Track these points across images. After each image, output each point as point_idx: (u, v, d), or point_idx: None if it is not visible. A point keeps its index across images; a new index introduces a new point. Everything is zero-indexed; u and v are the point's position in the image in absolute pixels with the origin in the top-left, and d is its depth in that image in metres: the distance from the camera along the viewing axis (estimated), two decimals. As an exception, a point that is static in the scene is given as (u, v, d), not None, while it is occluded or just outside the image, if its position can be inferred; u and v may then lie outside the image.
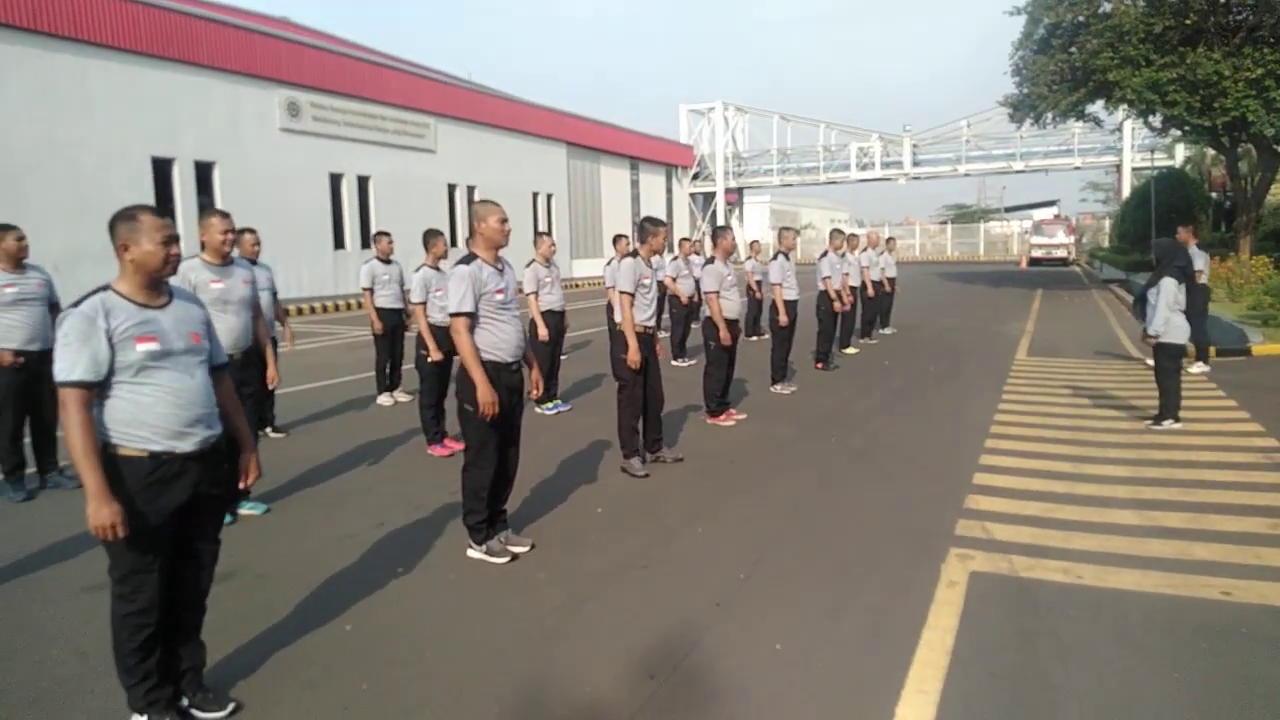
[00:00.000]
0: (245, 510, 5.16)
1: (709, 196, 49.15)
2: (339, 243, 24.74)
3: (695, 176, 48.83)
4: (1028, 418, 7.62)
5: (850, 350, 12.17)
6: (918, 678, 3.15)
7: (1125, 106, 21.13)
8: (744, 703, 3.02)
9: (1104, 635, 3.49)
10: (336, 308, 21.28)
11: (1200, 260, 9.62)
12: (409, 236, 9.20)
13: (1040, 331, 14.64)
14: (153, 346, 2.73)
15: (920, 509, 5.16)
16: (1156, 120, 21.61)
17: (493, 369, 4.27)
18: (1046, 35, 21.98)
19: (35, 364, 5.60)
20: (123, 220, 2.78)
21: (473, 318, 4.26)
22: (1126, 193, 39.44)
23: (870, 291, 13.14)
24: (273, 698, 3.10)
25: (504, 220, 4.37)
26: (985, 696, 3.03)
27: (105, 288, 2.77)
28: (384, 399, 8.97)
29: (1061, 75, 21.38)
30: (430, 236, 7.36)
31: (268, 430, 7.25)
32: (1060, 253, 42.13)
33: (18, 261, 5.57)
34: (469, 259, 4.32)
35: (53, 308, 5.73)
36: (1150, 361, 7.68)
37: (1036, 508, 5.09)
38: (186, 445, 2.81)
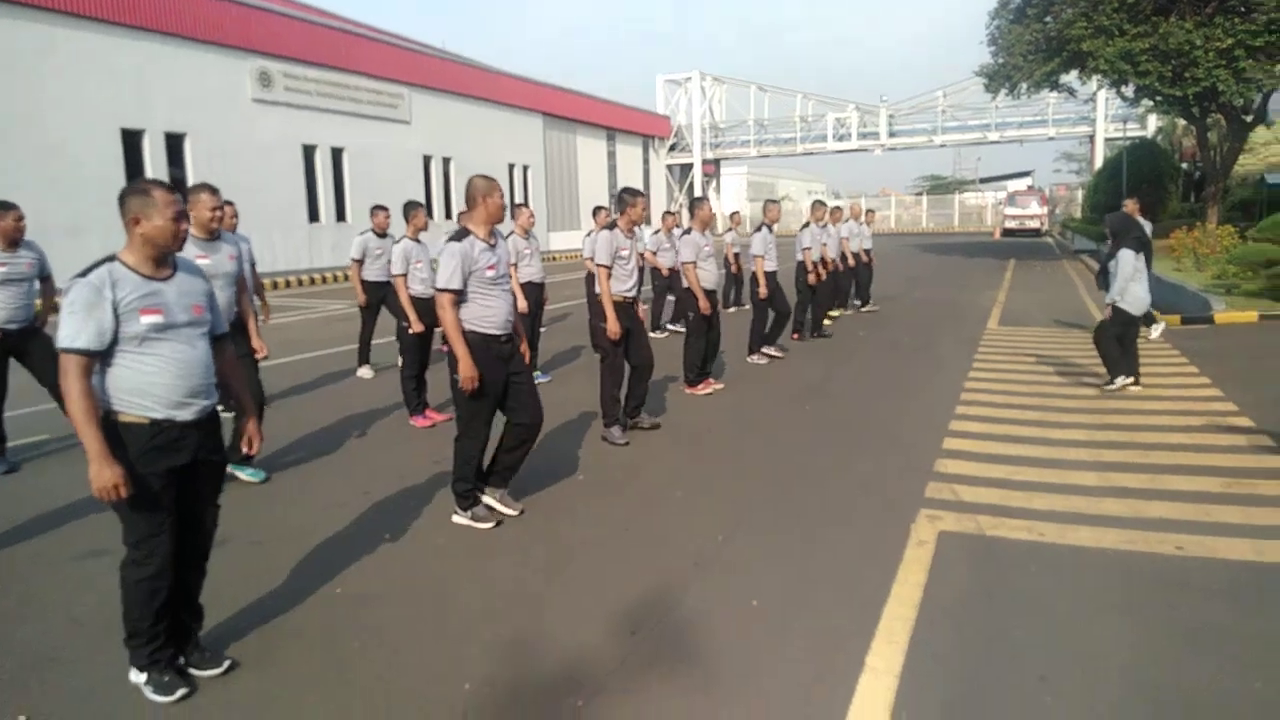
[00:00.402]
0: (245, 476, 5.23)
1: (686, 167, 49.08)
2: (313, 215, 24.52)
3: (672, 148, 48.69)
4: (996, 385, 7.83)
5: (834, 313, 12.38)
6: (887, 630, 3.32)
7: (1098, 76, 21.33)
8: (723, 654, 3.17)
9: (1063, 589, 3.68)
10: (312, 281, 21.17)
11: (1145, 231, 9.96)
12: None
13: (1011, 302, 14.89)
14: (157, 319, 2.81)
15: (892, 474, 5.34)
16: (1129, 90, 21.83)
17: (483, 340, 4.37)
18: (1022, 4, 22.11)
19: (15, 341, 5.63)
20: (135, 194, 2.84)
21: (459, 294, 4.34)
22: (1099, 163, 39.81)
23: (850, 262, 13.27)
24: (270, 658, 3.21)
25: (503, 196, 4.46)
26: (951, 646, 3.20)
27: (112, 258, 2.82)
28: (364, 371, 9.02)
29: (1036, 45, 21.51)
30: (410, 208, 7.38)
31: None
32: (1033, 224, 42.52)
33: (12, 241, 5.55)
34: (461, 234, 4.39)
35: (44, 281, 5.75)
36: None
37: (1002, 470, 5.28)
38: (186, 414, 2.91)
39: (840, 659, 3.12)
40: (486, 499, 4.67)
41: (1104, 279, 7.61)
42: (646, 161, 46.42)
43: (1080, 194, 50.90)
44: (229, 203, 6.59)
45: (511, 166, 33.39)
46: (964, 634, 3.30)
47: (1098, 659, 3.10)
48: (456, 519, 4.56)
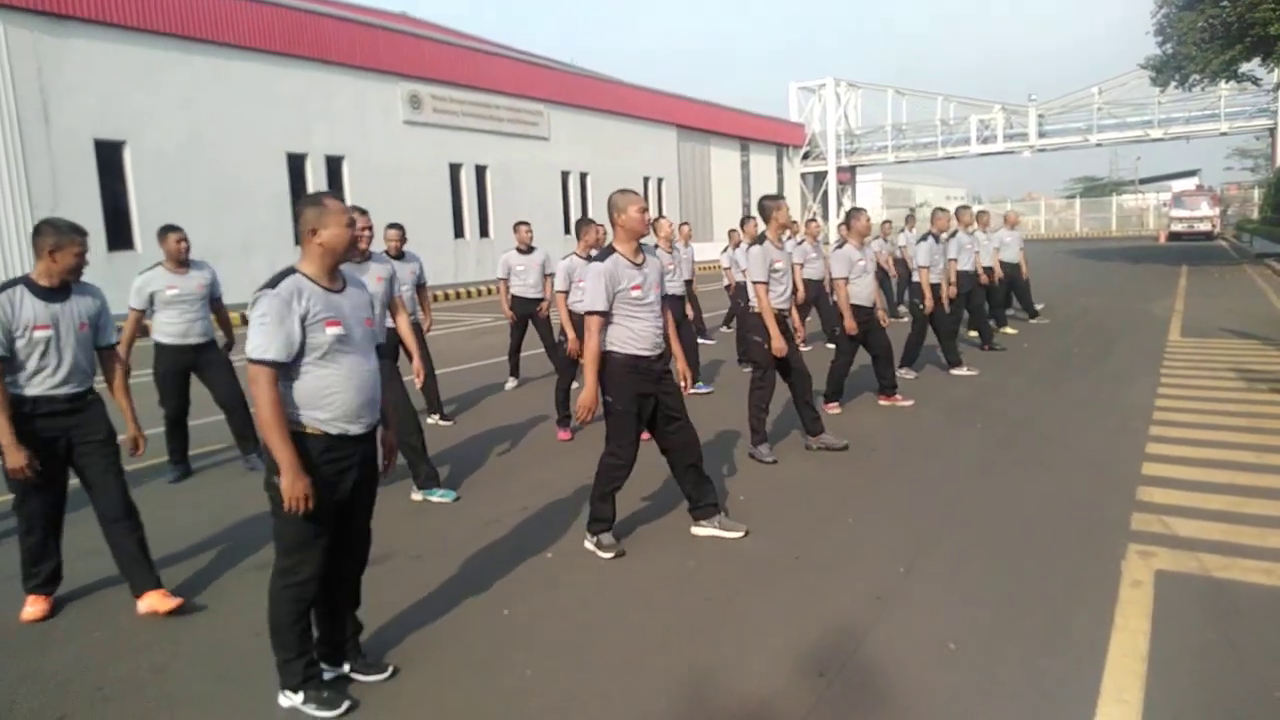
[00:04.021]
0: (438, 498, 5.24)
1: (820, 176, 48.04)
2: (458, 232, 25.36)
3: (806, 156, 47.77)
4: (1194, 404, 7.06)
5: (1009, 330, 11.71)
6: (1114, 685, 2.91)
7: (1287, 63, 19.39)
8: (924, 705, 2.85)
9: (1324, 645, 3.15)
10: (458, 295, 21.84)
11: None
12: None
13: (1192, 310, 13.63)
14: (339, 330, 2.82)
15: (1088, 501, 4.83)
16: (1324, 77, 19.77)
17: (630, 360, 4.21)
18: (1195, -13, 20.41)
19: (192, 356, 5.90)
20: (310, 205, 2.87)
21: (606, 316, 4.19)
22: (1282, 158, 36.36)
23: (999, 274, 12.37)
24: (445, 679, 3.12)
25: (644, 210, 4.26)
26: (1196, 708, 2.77)
27: (293, 271, 2.84)
28: (510, 383, 9.10)
29: (1212, 32, 19.76)
30: (582, 226, 7.19)
31: (436, 418, 7.47)
32: (1204, 226, 39.31)
33: (180, 261, 5.83)
34: (606, 253, 4.25)
35: (214, 302, 5.99)
36: None
37: (1221, 501, 4.68)
38: (358, 428, 2.90)
39: (1064, 716, 2.75)
40: (703, 530, 4.50)
41: None
42: (780, 171, 45.74)
43: (1257, 193, 46.73)
44: (397, 225, 6.75)
45: (646, 179, 33.54)
46: (1211, 693, 2.85)
47: (1387, 735, 2.60)
48: (586, 544, 4.37)
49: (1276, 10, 17.56)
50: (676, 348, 4.55)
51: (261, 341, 2.72)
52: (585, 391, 4.16)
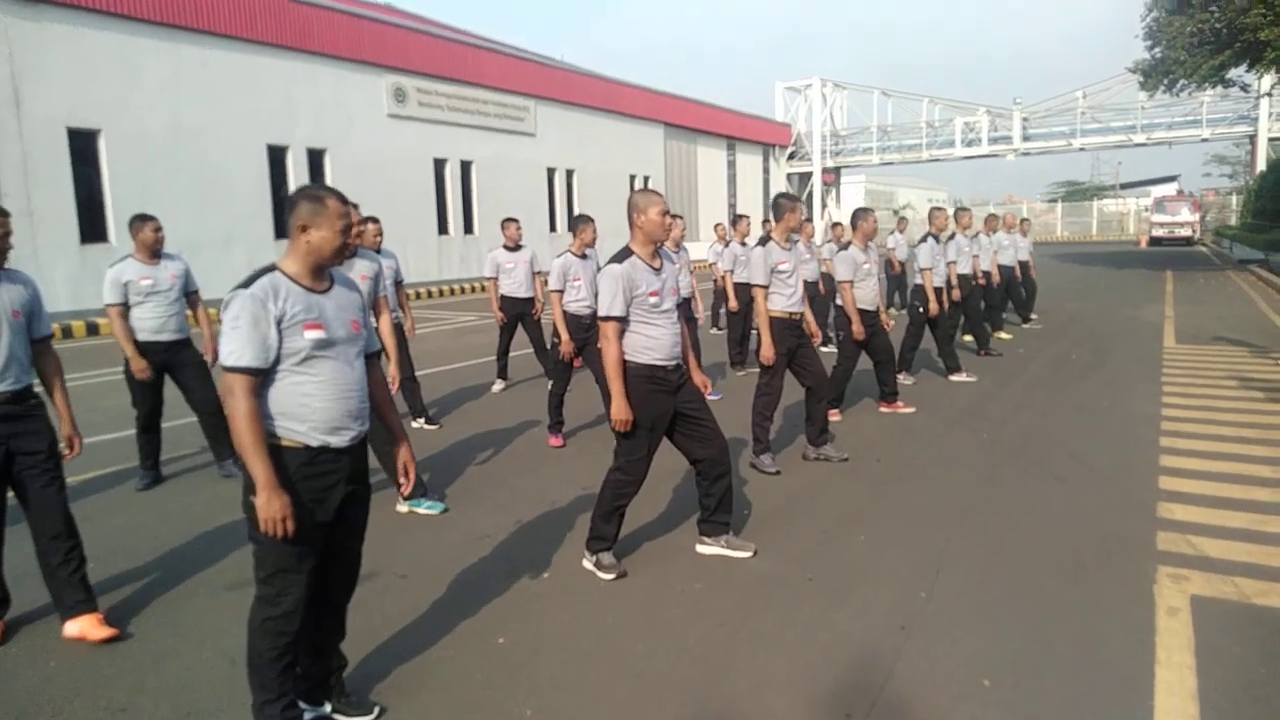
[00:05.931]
0: (424, 510, 4.97)
1: (805, 176, 47.89)
2: (443, 228, 24.95)
3: (791, 156, 47.59)
4: (1200, 413, 6.89)
5: (1004, 335, 11.60)
6: (1167, 730, 2.70)
7: (1276, 69, 19.41)
8: (963, 752, 2.62)
9: (1380, 682, 2.95)
10: (441, 293, 21.48)
11: None
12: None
13: (1183, 316, 13.55)
14: (319, 334, 2.56)
15: (1107, 517, 4.62)
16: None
17: (646, 371, 3.94)
18: (1184, -8, 20.41)
19: (162, 353, 5.57)
20: (308, 200, 2.60)
21: (623, 322, 3.93)
22: (1262, 165, 36.56)
23: (996, 278, 12.22)
24: (432, 717, 2.86)
25: (666, 212, 3.98)
26: (1257, 758, 2.56)
27: (272, 268, 2.58)
28: (497, 385, 8.82)
29: (1202, 37, 19.78)
30: (578, 223, 6.89)
31: (421, 421, 7.20)
32: (1184, 231, 39.66)
33: (154, 252, 5.52)
34: (623, 256, 3.98)
35: (190, 295, 5.68)
36: None
37: (1245, 519, 4.50)
38: (341, 440, 2.64)
39: (1116, 768, 2.53)
40: (708, 549, 4.25)
41: None
42: (766, 171, 45.55)
43: (1235, 199, 47.16)
44: (374, 219, 6.42)
45: (633, 177, 33.22)
46: (1269, 741, 2.64)
47: None
48: (584, 563, 4.11)
49: (1266, 16, 17.55)
50: (691, 359, 4.28)
51: (235, 347, 2.46)
52: (615, 404, 3.87)
